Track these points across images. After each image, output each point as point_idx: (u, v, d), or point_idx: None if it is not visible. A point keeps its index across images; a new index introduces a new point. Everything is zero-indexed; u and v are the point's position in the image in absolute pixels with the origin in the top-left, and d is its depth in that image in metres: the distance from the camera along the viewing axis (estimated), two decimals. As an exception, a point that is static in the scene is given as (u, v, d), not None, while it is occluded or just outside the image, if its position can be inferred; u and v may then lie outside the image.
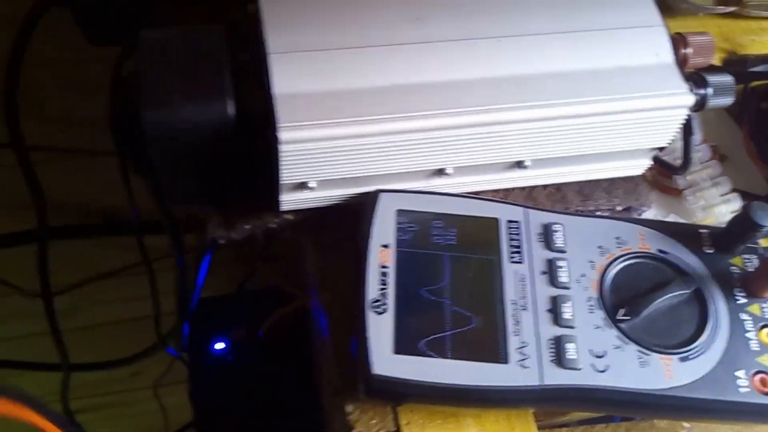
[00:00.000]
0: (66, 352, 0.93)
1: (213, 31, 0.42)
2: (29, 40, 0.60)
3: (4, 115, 0.67)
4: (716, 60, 0.57)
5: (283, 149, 0.38)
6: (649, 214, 0.50)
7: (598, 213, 0.48)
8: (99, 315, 1.12)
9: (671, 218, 0.50)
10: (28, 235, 0.87)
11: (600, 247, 0.41)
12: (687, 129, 0.45)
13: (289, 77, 0.39)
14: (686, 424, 0.43)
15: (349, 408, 0.40)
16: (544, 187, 0.48)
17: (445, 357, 0.37)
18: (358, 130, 0.39)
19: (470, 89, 0.41)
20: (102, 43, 0.56)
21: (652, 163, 0.48)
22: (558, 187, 0.48)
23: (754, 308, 0.39)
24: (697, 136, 0.52)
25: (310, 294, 0.52)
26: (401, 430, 0.39)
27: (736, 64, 0.54)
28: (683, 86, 0.42)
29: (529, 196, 0.48)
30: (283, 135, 0.38)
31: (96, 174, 0.79)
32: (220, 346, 0.82)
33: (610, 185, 0.49)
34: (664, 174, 0.51)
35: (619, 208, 0.49)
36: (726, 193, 0.50)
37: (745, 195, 0.51)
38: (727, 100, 0.45)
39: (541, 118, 0.41)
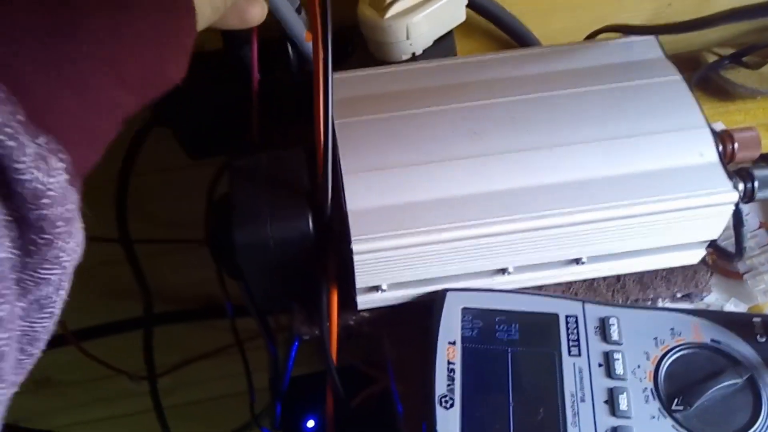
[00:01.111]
0: (169, 429, 1.00)
1: (294, 155, 0.47)
2: (137, 153, 0.68)
3: (116, 216, 0.76)
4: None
5: (357, 259, 0.43)
6: (711, 298, 0.52)
7: (659, 300, 0.51)
8: (197, 393, 1.19)
9: (732, 302, 0.52)
10: (134, 322, 0.95)
11: (655, 338, 0.44)
12: (737, 221, 0.48)
13: (360, 194, 0.44)
14: None
15: (422, 495, 0.43)
16: (605, 278, 0.51)
17: (508, 448, 0.40)
18: (423, 239, 0.43)
19: (526, 196, 0.45)
20: (198, 157, 0.64)
21: (706, 252, 0.50)
22: (618, 278, 0.51)
23: (808, 396, 0.41)
24: (754, 221, 0.55)
25: (389, 377, 0.56)
26: None
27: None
28: (727, 184, 0.45)
29: (590, 287, 0.51)
30: (356, 247, 0.43)
31: (193, 264, 0.87)
32: (311, 423, 0.86)
33: (669, 273, 0.51)
34: (724, 257, 0.53)
35: (679, 295, 0.51)
36: (785, 277, 0.52)
37: (806, 277, 0.53)
38: (774, 192, 0.47)
39: (593, 221, 0.45)
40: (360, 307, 0.48)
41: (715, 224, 0.47)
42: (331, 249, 0.46)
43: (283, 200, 0.45)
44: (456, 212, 0.44)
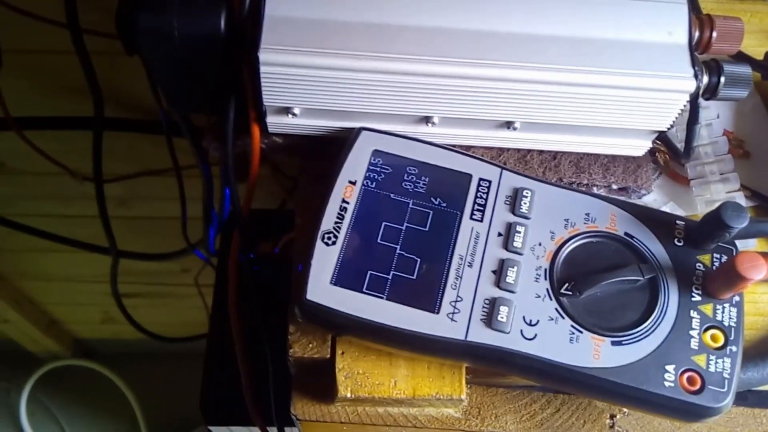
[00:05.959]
0: (114, 237, 0.98)
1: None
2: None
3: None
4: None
5: (263, 70, 0.39)
6: (649, 198, 0.49)
7: (593, 189, 0.48)
8: (148, 209, 1.17)
9: (669, 206, 0.49)
10: (84, 121, 0.91)
11: (566, 220, 0.41)
12: (692, 116, 0.43)
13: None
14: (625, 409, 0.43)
15: (291, 328, 0.42)
16: (540, 152, 0.47)
17: (380, 297, 0.38)
18: (340, 63, 0.39)
19: (464, 40, 0.40)
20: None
21: (652, 145, 0.46)
22: (554, 155, 0.47)
23: (707, 308, 0.38)
24: (719, 128, 0.50)
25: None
26: (335, 357, 0.40)
27: (775, 59, 0.51)
28: (688, 70, 0.41)
29: (523, 159, 0.47)
30: (264, 56, 0.39)
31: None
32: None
33: (609, 162, 0.47)
34: (674, 156, 0.49)
35: (615, 187, 0.48)
36: (732, 191, 0.48)
37: (756, 195, 0.49)
38: (741, 93, 0.43)
39: (533, 81, 0.40)
40: (270, 129, 0.45)
41: (665, 113, 0.42)
42: (245, 58, 0.42)
43: (197, -9, 0.40)
44: (383, 42, 0.40)
